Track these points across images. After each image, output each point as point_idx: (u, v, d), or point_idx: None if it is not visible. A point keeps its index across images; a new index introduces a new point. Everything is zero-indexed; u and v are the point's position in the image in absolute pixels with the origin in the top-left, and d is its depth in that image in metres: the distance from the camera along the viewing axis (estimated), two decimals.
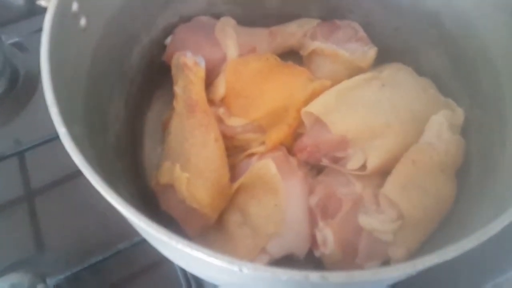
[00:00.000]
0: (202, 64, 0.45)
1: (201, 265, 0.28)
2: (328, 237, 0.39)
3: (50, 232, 0.48)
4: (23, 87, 0.58)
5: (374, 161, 0.41)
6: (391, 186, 0.38)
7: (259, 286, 0.28)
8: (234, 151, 0.45)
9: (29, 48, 0.60)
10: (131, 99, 0.46)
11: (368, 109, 0.43)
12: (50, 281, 0.42)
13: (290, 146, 0.46)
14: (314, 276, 0.22)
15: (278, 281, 0.24)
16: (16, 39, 0.57)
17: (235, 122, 0.45)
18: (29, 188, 0.51)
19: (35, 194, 0.51)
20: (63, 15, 0.33)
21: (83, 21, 0.35)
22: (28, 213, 0.50)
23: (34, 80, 0.58)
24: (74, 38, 0.35)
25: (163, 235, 0.24)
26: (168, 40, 0.48)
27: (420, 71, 0.48)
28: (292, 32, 0.52)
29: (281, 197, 0.40)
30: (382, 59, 0.50)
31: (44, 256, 0.46)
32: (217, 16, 0.51)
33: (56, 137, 0.47)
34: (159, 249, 0.34)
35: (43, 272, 0.43)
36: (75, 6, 0.34)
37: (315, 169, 0.46)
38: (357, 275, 0.23)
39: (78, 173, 0.52)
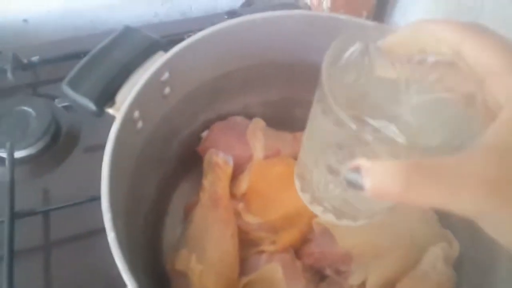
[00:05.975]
0: (231, 163, 0.50)
1: None
2: None
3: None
4: (64, 144, 0.63)
5: (374, 280, 0.44)
6: None
7: None
8: (246, 244, 0.49)
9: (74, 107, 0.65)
10: (163, 181, 0.51)
11: (375, 229, 0.47)
12: None
13: (297, 248, 0.50)
14: None
15: None
16: (66, 103, 0.63)
17: (252, 220, 0.49)
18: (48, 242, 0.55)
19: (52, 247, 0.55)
20: (126, 121, 0.38)
21: (139, 124, 0.41)
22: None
23: (74, 139, 0.64)
24: (130, 139, 0.40)
25: None
26: (204, 134, 0.54)
27: None
28: None
29: None
30: None
31: None
32: (250, 116, 0.56)
33: (83, 201, 0.52)
34: None
35: None
36: (136, 114, 0.39)
37: (318, 275, 0.49)
38: None
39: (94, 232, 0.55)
